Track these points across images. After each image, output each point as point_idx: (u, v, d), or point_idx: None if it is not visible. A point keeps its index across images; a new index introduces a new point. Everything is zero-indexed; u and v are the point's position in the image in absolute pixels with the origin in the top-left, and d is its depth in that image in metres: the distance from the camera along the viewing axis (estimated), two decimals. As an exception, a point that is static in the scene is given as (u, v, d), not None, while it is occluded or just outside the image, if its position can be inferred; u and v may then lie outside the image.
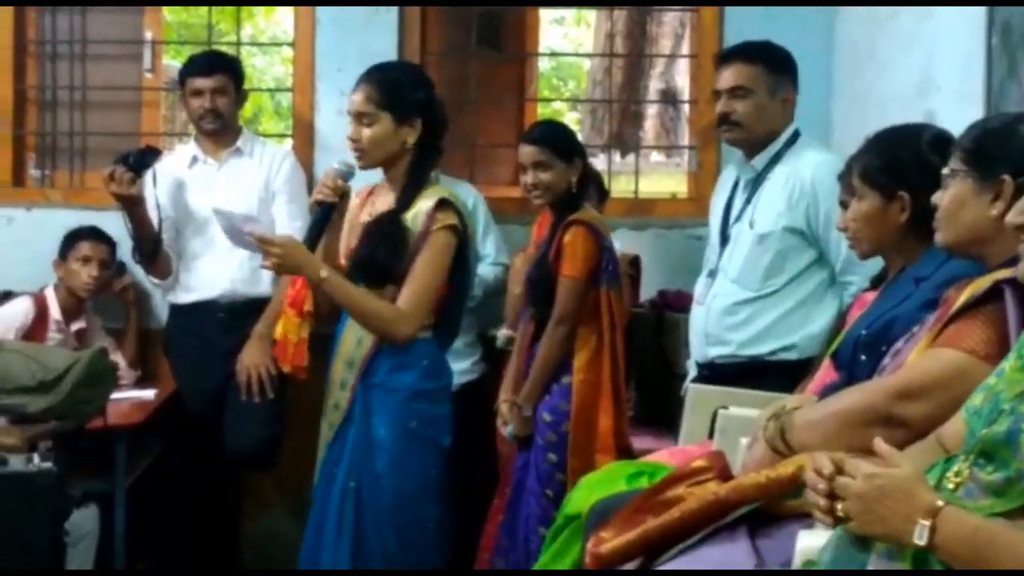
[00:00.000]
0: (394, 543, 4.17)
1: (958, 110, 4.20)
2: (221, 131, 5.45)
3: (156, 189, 5.21)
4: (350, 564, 4.16)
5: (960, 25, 4.35)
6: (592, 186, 5.28)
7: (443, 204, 4.16)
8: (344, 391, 4.24)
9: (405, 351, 4.18)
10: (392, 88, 4.19)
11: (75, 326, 5.44)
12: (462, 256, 4.23)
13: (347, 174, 4.20)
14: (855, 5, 5.48)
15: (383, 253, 4.13)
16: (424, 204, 4.16)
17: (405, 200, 4.19)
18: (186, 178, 5.46)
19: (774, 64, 4.60)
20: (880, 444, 2.25)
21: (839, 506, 2.18)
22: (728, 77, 4.60)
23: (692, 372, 4.77)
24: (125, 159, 5.04)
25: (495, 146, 6.44)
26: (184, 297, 5.45)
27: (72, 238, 5.47)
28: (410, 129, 4.19)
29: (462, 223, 4.19)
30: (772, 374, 4.33)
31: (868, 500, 2.16)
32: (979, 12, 4.15)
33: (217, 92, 5.38)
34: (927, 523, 2.10)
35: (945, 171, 2.90)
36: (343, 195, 4.19)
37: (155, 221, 5.22)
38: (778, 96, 4.57)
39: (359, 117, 4.20)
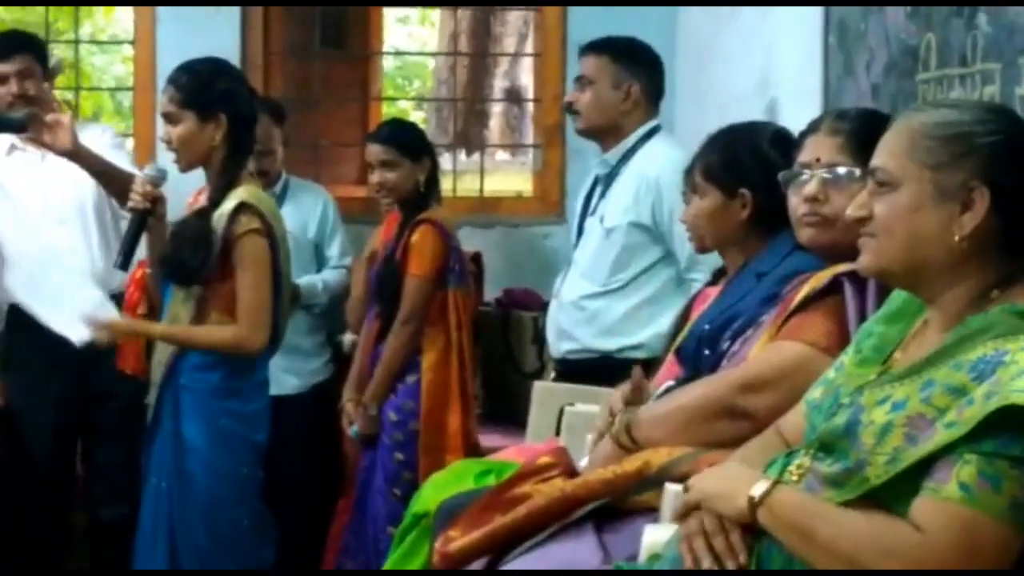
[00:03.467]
0: (205, 540, 4.14)
1: (797, 107, 4.27)
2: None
3: None
4: (167, 564, 4.12)
5: (798, 24, 4.42)
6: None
7: (244, 207, 4.11)
8: (156, 390, 4.21)
9: (209, 350, 4.17)
10: (192, 85, 4.15)
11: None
12: (273, 257, 4.18)
13: (157, 179, 4.16)
14: (696, 5, 5.55)
15: (186, 252, 4.08)
16: (227, 204, 4.11)
17: (215, 197, 4.15)
18: (4, 169, 5.02)
19: (620, 56, 4.67)
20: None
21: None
22: (580, 68, 4.73)
23: (552, 371, 4.82)
24: None
25: (340, 145, 6.42)
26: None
27: None
28: (215, 126, 4.15)
29: (265, 223, 4.14)
30: (622, 373, 4.35)
31: (707, 479, 2.33)
32: (816, 11, 4.23)
33: (23, 75, 4.95)
34: (766, 483, 2.22)
35: (859, 171, 2.82)
36: (155, 201, 4.15)
37: None
38: (622, 87, 4.63)
39: (166, 118, 4.18)
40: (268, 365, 4.37)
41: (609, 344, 4.55)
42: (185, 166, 4.22)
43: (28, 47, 5.05)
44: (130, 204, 4.16)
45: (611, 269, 4.56)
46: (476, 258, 5.54)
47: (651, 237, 4.53)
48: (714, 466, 2.35)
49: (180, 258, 4.10)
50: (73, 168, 4.79)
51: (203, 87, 4.15)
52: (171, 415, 4.16)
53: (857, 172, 2.85)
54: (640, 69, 4.68)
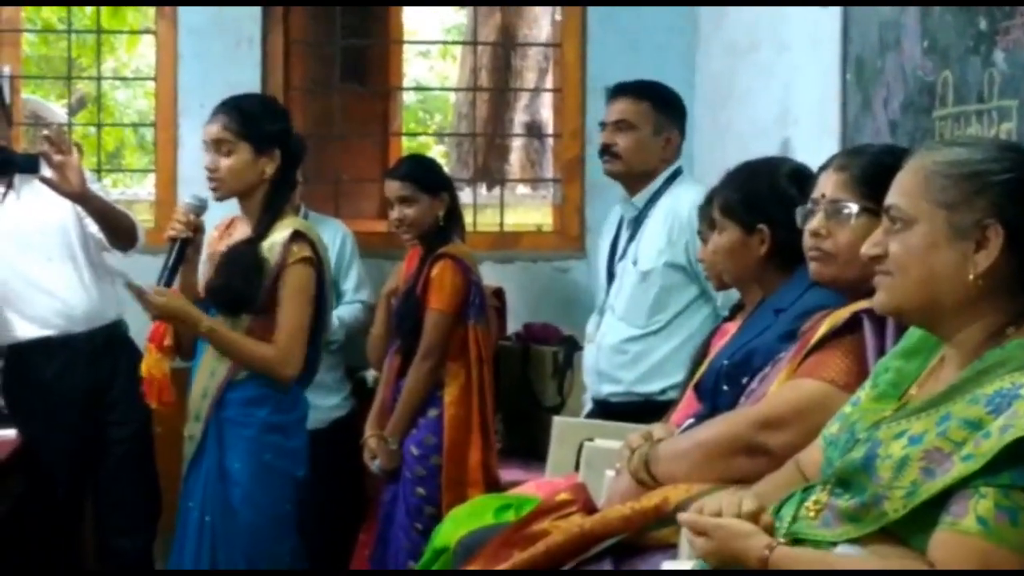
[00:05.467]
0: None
1: (815, 144, 4.29)
2: None
3: None
4: None
5: (815, 61, 4.44)
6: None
7: (297, 236, 4.17)
8: (198, 423, 4.21)
9: (259, 384, 4.18)
10: (251, 118, 4.20)
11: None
12: (319, 287, 4.23)
13: (199, 208, 4.18)
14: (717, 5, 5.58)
15: (238, 282, 4.11)
16: (279, 235, 4.16)
17: (261, 229, 4.18)
18: None
19: (662, 104, 4.72)
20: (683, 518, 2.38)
21: None
22: (615, 110, 4.73)
23: (587, 407, 4.84)
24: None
25: (360, 180, 6.44)
26: (24, 333, 4.92)
27: None
28: (268, 160, 4.19)
29: (316, 254, 4.20)
30: (664, 413, 4.35)
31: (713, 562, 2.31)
32: (834, 48, 4.24)
33: None
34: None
35: (856, 207, 2.86)
36: (196, 230, 4.17)
37: None
38: (661, 135, 4.69)
39: (217, 145, 4.19)
40: (308, 401, 4.41)
41: (653, 386, 4.57)
42: (225, 195, 4.24)
43: None
44: (171, 232, 4.16)
45: (650, 311, 4.58)
46: (498, 293, 5.56)
47: (687, 276, 4.55)
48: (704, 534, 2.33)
49: (230, 287, 4.13)
50: (49, 205, 4.78)
51: (261, 122, 4.21)
52: (215, 448, 4.18)
53: (855, 208, 2.87)
54: (677, 118, 4.76)
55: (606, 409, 4.65)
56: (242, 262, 4.14)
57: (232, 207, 4.36)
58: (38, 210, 4.85)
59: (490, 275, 5.58)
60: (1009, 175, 2.23)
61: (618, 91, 4.79)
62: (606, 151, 4.73)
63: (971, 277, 2.21)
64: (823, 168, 3.01)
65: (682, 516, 2.34)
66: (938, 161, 2.28)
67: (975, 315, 2.24)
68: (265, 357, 4.14)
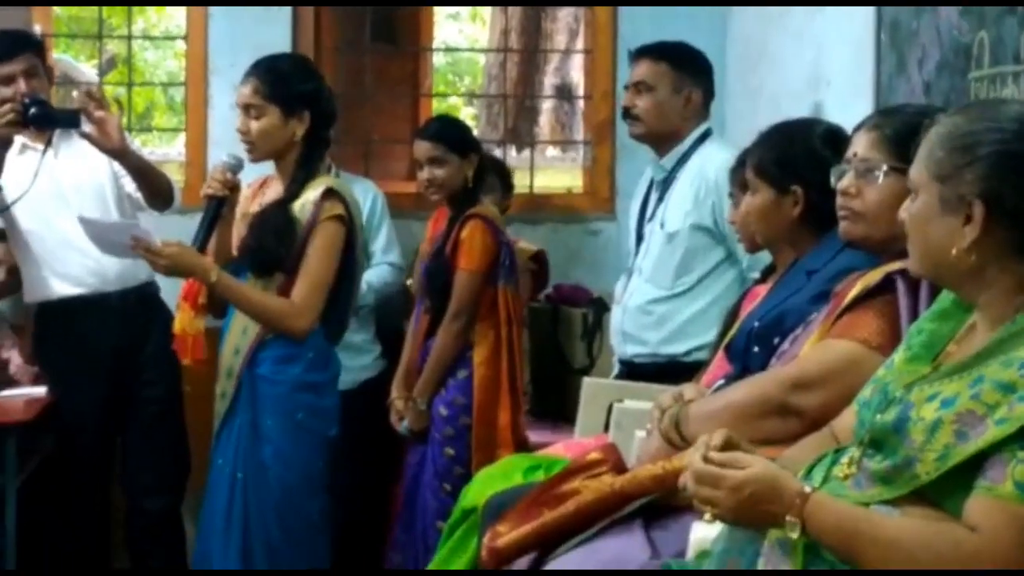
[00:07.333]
0: (278, 534, 4.17)
1: (849, 106, 4.26)
2: None
3: None
4: (240, 555, 4.15)
5: (849, 22, 4.41)
6: (496, 179, 5.30)
7: (330, 193, 4.17)
8: (230, 379, 4.22)
9: (291, 343, 4.18)
10: (279, 80, 4.20)
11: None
12: (350, 246, 4.22)
13: (236, 167, 4.19)
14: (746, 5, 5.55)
15: (270, 242, 4.12)
16: (311, 194, 4.16)
17: (293, 190, 4.19)
18: (20, 169, 4.77)
19: (680, 63, 4.69)
20: (716, 456, 2.30)
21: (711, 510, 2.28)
22: (635, 73, 4.73)
23: (615, 369, 4.85)
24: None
25: (390, 141, 6.43)
26: (57, 291, 4.93)
27: None
28: (299, 121, 4.19)
29: (348, 212, 4.19)
30: (689, 374, 4.35)
31: (739, 510, 2.24)
32: (868, 9, 4.22)
33: (29, 74, 4.80)
34: (796, 520, 2.17)
35: (885, 167, 2.84)
36: (233, 188, 4.18)
37: None
38: (681, 94, 4.65)
39: (247, 109, 4.19)
40: (340, 361, 4.41)
41: (678, 348, 4.58)
42: (259, 158, 4.26)
43: (30, 46, 4.95)
44: (208, 190, 4.18)
45: (676, 273, 4.58)
46: (538, 256, 5.54)
47: (713, 239, 4.54)
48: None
49: (264, 247, 4.13)
50: (85, 163, 4.83)
51: (290, 83, 4.21)
52: (248, 405, 4.19)
53: (884, 167, 2.85)
54: (698, 76, 4.73)
55: (631, 370, 4.65)
56: (274, 222, 4.14)
57: (268, 167, 4.36)
58: (75, 169, 4.88)
59: (520, 237, 5.57)
60: (997, 148, 2.20)
61: (638, 53, 4.79)
62: (627, 114, 4.74)
63: (954, 252, 2.21)
64: (858, 127, 2.99)
65: (716, 455, 2.30)
66: (939, 132, 2.27)
67: (985, 282, 2.23)
68: (278, 308, 4.14)
